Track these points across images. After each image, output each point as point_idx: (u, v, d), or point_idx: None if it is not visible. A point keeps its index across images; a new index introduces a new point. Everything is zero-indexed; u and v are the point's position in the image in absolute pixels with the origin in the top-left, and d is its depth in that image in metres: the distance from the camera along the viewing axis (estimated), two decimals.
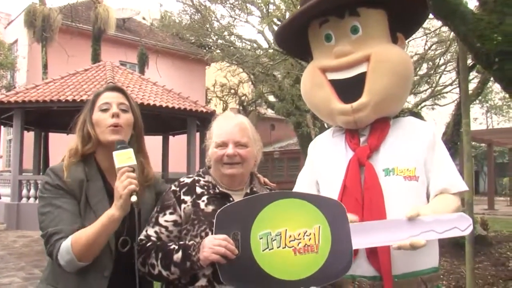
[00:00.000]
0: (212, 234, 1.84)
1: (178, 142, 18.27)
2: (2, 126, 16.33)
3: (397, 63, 2.09)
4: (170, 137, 18.71)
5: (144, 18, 25.53)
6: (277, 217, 1.78)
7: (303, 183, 2.27)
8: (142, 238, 2.00)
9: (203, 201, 2.01)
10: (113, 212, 1.81)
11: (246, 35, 21.46)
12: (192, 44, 23.50)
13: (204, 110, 15.23)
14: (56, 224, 1.85)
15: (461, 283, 6.20)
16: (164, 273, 1.88)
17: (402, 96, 2.24)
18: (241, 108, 28.35)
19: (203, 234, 1.91)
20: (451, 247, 8.08)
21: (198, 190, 2.05)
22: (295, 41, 2.38)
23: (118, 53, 21.69)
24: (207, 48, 22.34)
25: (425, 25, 14.41)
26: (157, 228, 2.01)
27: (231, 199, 2.02)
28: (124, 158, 1.86)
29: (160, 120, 15.56)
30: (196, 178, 2.13)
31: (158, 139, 18.17)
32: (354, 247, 1.77)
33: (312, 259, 1.75)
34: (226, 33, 19.04)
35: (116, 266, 1.93)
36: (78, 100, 12.55)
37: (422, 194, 2.01)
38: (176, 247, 1.89)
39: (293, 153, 28.76)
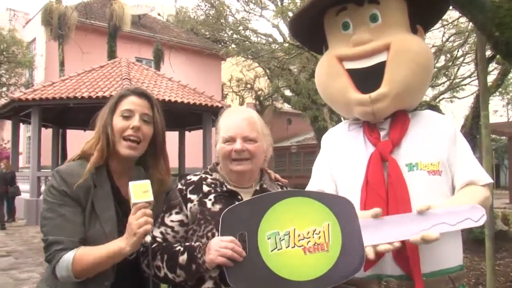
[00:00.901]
0: (218, 235, 1.76)
1: (194, 137, 18.31)
2: (21, 124, 16.53)
3: (418, 53, 2.00)
4: (186, 133, 18.72)
5: (159, 14, 25.63)
6: (285, 216, 1.71)
7: (320, 176, 2.16)
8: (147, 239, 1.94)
9: (210, 199, 1.92)
10: (123, 246, 1.72)
11: (261, 30, 21.32)
12: (207, 39, 23.52)
13: (220, 105, 15.21)
14: (57, 233, 1.77)
15: (482, 280, 6.06)
16: (170, 275, 1.80)
17: (422, 88, 2.14)
18: (257, 103, 28.34)
19: (209, 234, 1.83)
20: (471, 244, 7.91)
21: (205, 188, 1.96)
22: (310, 30, 2.27)
23: (134, 50, 21.78)
24: (222, 43, 22.34)
25: (443, 16, 14.17)
26: (163, 229, 1.93)
27: (239, 197, 1.93)
28: (140, 191, 1.75)
29: (176, 116, 15.56)
30: (203, 175, 2.03)
31: (174, 134, 18.23)
32: (365, 244, 1.69)
33: (323, 258, 1.67)
34: (241, 27, 19.02)
35: (119, 274, 1.85)
36: (94, 96, 12.62)
37: (446, 189, 1.93)
38: (182, 248, 1.81)
39: (310, 147, 28.61)
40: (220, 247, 1.67)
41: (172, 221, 1.93)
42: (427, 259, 1.80)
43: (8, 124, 20.17)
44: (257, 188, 2.00)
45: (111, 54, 18.55)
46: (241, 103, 29.29)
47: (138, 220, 1.70)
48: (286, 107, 28.09)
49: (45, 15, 18.91)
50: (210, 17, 20.36)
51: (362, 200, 1.89)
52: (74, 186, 1.81)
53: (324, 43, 2.26)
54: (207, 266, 1.72)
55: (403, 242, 1.73)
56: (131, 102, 1.97)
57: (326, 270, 1.66)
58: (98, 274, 1.78)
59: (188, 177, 2.04)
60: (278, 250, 1.67)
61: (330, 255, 1.68)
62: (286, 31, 18.79)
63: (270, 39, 18.27)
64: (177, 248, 1.82)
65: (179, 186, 2.01)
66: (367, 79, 2.01)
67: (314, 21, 2.20)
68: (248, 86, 27.64)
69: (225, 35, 20.96)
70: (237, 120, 1.96)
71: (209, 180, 2.00)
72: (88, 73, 14.57)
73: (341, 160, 2.08)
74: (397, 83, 1.96)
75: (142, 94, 2.02)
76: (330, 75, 2.12)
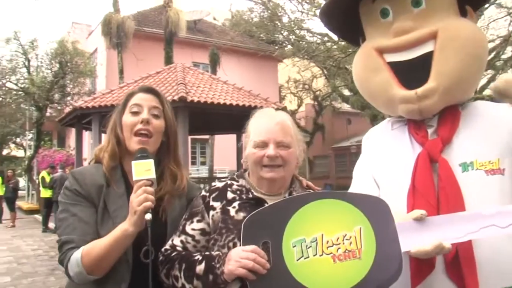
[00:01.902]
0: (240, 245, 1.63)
1: None
2: (84, 131, 17.08)
3: (470, 40, 1.76)
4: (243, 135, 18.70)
5: (215, 19, 25.93)
6: (311, 221, 1.54)
7: (361, 180, 1.96)
8: (167, 247, 1.83)
9: (233, 207, 1.80)
10: (126, 226, 1.70)
11: (316, 29, 21.10)
12: (262, 41, 23.53)
13: (275, 106, 15.07)
14: (69, 232, 1.76)
15: None
16: (187, 286, 1.68)
17: (475, 80, 1.89)
18: (316, 103, 28.10)
19: (230, 244, 1.70)
20: None
21: (230, 195, 1.84)
22: (344, 19, 2.07)
23: (190, 55, 22.11)
24: (277, 45, 22.30)
25: (509, 4, 13.44)
26: (183, 237, 1.82)
27: (265, 205, 1.77)
28: (142, 169, 1.72)
29: (232, 118, 15.57)
30: (229, 182, 1.92)
31: (232, 137, 18.28)
32: (403, 250, 1.50)
33: (355, 267, 1.50)
34: (296, 27, 18.88)
35: (136, 278, 1.78)
36: None
37: (509, 190, 1.66)
38: (200, 258, 1.70)
39: None
40: (241, 257, 1.53)
41: (193, 229, 1.83)
42: (490, 272, 1.55)
43: (74, 131, 20.94)
44: (286, 195, 1.86)
45: (168, 60, 18.94)
46: (300, 104, 29.14)
47: (138, 198, 1.67)
48: (345, 106, 27.66)
49: (104, 25, 19.66)
50: (265, 19, 20.35)
51: (409, 207, 1.68)
52: (85, 184, 1.82)
53: (360, 34, 2.06)
54: (225, 278, 1.58)
55: (456, 252, 1.52)
56: (139, 98, 1.94)
57: (358, 280, 1.48)
58: (115, 276, 1.74)
59: (213, 184, 1.94)
60: (305, 259, 1.51)
61: (363, 263, 1.50)
62: None
63: (326, 38, 18.00)
64: (196, 257, 1.71)
65: (203, 192, 1.91)
66: (412, 72, 1.79)
67: (348, 9, 2.00)
68: (306, 86, 27.42)
69: (280, 36, 20.90)
70: (270, 124, 1.83)
71: (234, 187, 1.89)
72: (144, 79, 14.81)
73: (384, 162, 1.88)
74: (447, 76, 1.74)
75: (149, 90, 2.00)
76: (369, 70, 1.92)
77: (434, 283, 1.59)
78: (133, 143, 1.87)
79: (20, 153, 35.00)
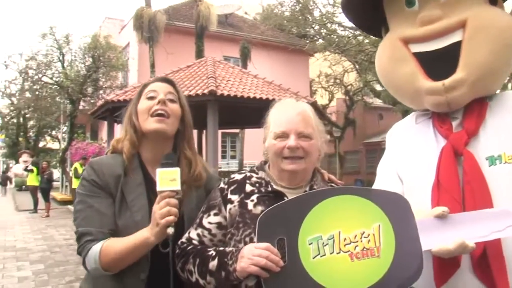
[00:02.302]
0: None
1: None
2: (115, 124, 17.32)
3: (502, 29, 1.67)
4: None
5: (246, 13, 25.90)
6: (329, 218, 1.49)
7: (385, 176, 1.89)
8: (184, 241, 1.80)
9: (252, 200, 1.74)
10: (147, 235, 1.67)
11: (348, 23, 20.87)
12: (293, 35, 23.42)
13: (306, 100, 14.89)
14: (87, 224, 1.76)
15: None
16: (201, 281, 1.65)
17: (506, 71, 1.79)
18: (347, 98, 27.83)
19: (247, 239, 1.65)
20: None
21: (248, 188, 1.78)
22: (365, 8, 1.98)
23: (221, 49, 22.14)
24: (308, 39, 22.17)
25: None
26: (199, 231, 1.78)
27: (285, 198, 1.71)
28: (167, 179, 1.66)
29: (262, 112, 15.47)
30: (248, 174, 1.85)
31: (262, 131, 18.23)
32: (424, 248, 1.43)
33: (374, 265, 1.43)
34: (327, 21, 18.71)
35: (155, 268, 1.78)
36: None
37: None
38: (214, 253, 1.66)
39: None
40: (253, 254, 1.47)
41: (209, 223, 1.78)
42: None
43: (106, 124, 21.30)
44: (307, 189, 1.78)
45: (199, 54, 19.01)
46: (331, 99, 28.90)
47: (160, 211, 1.63)
48: (377, 101, 27.30)
49: (136, 20, 19.84)
50: (296, 13, 20.22)
51: (433, 203, 1.60)
52: (103, 174, 1.81)
53: (383, 24, 1.99)
54: (237, 275, 1.53)
55: (483, 249, 1.46)
56: (154, 86, 1.95)
57: (377, 279, 1.42)
58: (134, 266, 1.74)
59: (232, 176, 1.88)
60: (321, 256, 1.45)
61: (382, 262, 1.44)
62: None
63: (357, 32, 17.79)
64: (210, 253, 1.67)
65: (221, 185, 1.85)
66: (439, 63, 1.71)
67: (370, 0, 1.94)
68: (337, 81, 27.16)
69: (311, 30, 20.74)
70: (291, 114, 1.76)
71: (253, 179, 1.82)
72: (175, 73, 14.90)
73: (408, 157, 1.81)
74: (476, 67, 1.66)
75: (164, 79, 2.00)
76: (394, 61, 1.84)
77: (460, 283, 1.52)
78: (151, 124, 1.85)
79: (55, 145, 35.88)
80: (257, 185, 1.79)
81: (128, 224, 1.76)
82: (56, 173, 26.98)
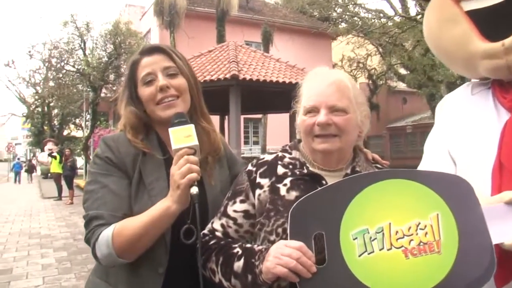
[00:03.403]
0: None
1: None
2: None
3: None
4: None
5: None
6: (376, 207, 1.25)
7: (434, 154, 1.62)
8: (206, 232, 1.56)
9: (284, 184, 1.48)
10: (168, 204, 1.43)
11: (371, 6, 20.50)
12: (315, 18, 23.11)
13: None
14: (98, 206, 1.51)
15: None
16: (225, 283, 1.42)
17: None
18: (370, 82, 27.45)
19: (279, 230, 1.41)
20: None
21: (280, 170, 1.52)
22: None
23: (242, 33, 21.93)
24: (331, 22, 21.85)
25: None
26: (224, 220, 1.54)
27: (323, 182, 1.46)
28: (182, 136, 1.45)
29: (285, 97, 15.31)
30: (280, 154, 1.58)
31: (285, 116, 18.09)
32: (494, 241, 1.18)
33: (434, 263, 1.19)
34: (350, 4, 18.37)
35: (175, 261, 1.55)
36: (202, 80, 12.66)
37: None
38: (240, 251, 1.41)
39: (427, 127, 26.99)
40: (282, 254, 1.23)
41: (235, 211, 1.53)
42: None
43: None
44: (348, 171, 1.52)
45: (220, 39, 18.89)
46: None
47: (180, 169, 1.40)
48: (401, 85, 26.86)
49: (156, 5, 19.72)
50: None
51: (494, 186, 1.35)
52: (119, 152, 1.58)
53: None
54: (263, 278, 1.29)
55: None
56: (146, 65, 1.64)
57: (440, 279, 1.17)
58: (150, 259, 1.52)
59: (262, 157, 1.62)
60: (369, 254, 1.21)
61: (444, 258, 1.19)
62: (397, 4, 17.80)
63: (381, 15, 17.41)
64: (235, 250, 1.43)
65: (249, 167, 1.59)
66: (497, 21, 1.44)
67: None
68: (360, 65, 26.74)
69: (334, 13, 20.41)
70: (322, 85, 1.48)
71: (286, 160, 1.55)
72: (196, 58, 14.75)
73: (462, 133, 1.53)
74: None
75: (153, 49, 1.69)
76: (443, 23, 1.58)
77: None
78: (161, 112, 1.61)
79: (79, 133, 36.23)
80: (290, 166, 1.53)
81: (146, 208, 1.50)
82: (80, 161, 27.26)
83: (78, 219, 12.55)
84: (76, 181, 19.79)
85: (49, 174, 24.27)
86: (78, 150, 28.55)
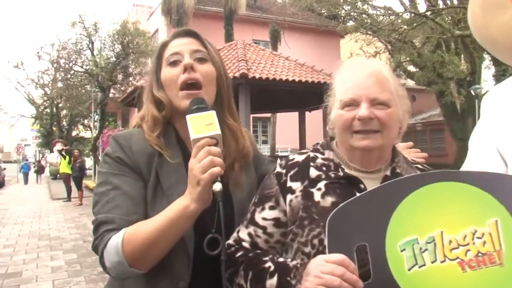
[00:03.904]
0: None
1: (315, 117, 17.91)
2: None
3: None
4: (307, 113, 18.31)
5: None
6: (424, 214, 1.11)
7: (481, 152, 1.45)
8: (231, 243, 1.41)
9: (318, 189, 1.33)
10: (187, 202, 1.24)
11: (379, 3, 20.37)
12: (324, 16, 23.02)
13: None
14: (110, 210, 1.33)
15: None
16: None
17: None
18: None
19: (315, 241, 1.27)
20: None
21: (313, 172, 1.37)
22: None
23: (250, 32, 21.88)
24: (340, 19, 21.76)
25: None
26: (251, 229, 1.39)
27: (361, 186, 1.33)
28: (202, 124, 1.26)
29: (295, 95, 15.22)
30: (312, 154, 1.43)
31: (294, 115, 17.97)
32: None
33: (496, 276, 1.05)
34: (359, 2, 18.23)
35: (198, 275, 1.39)
36: None
37: None
38: (272, 267, 1.26)
39: (437, 124, 27.04)
40: (323, 272, 1.08)
41: (264, 219, 1.38)
42: None
43: (136, 112, 21.45)
44: (387, 173, 1.37)
45: (228, 38, 18.86)
46: None
47: (201, 163, 1.20)
48: (410, 82, 26.66)
49: (164, 4, 19.71)
50: None
51: None
52: (132, 152, 1.41)
53: None
54: None
55: None
56: (175, 45, 1.49)
57: None
58: (170, 273, 1.34)
59: (291, 157, 1.47)
60: (420, 267, 1.07)
61: (507, 271, 1.05)
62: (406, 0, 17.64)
63: (390, 12, 17.28)
64: (266, 265, 1.28)
65: (278, 169, 1.44)
66: None
67: None
68: None
69: (342, 11, 20.28)
70: (361, 76, 1.34)
71: (319, 161, 1.40)
72: None
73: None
74: None
75: (185, 32, 1.53)
76: (487, 9, 1.43)
77: None
78: (181, 100, 1.43)
79: (87, 134, 36.31)
80: (324, 168, 1.38)
81: None
82: (89, 162, 27.28)
83: (88, 220, 12.51)
84: (85, 182, 19.77)
85: (58, 175, 24.31)
86: (87, 151, 28.60)
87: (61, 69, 24.42)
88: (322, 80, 14.16)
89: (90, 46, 22.76)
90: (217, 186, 1.21)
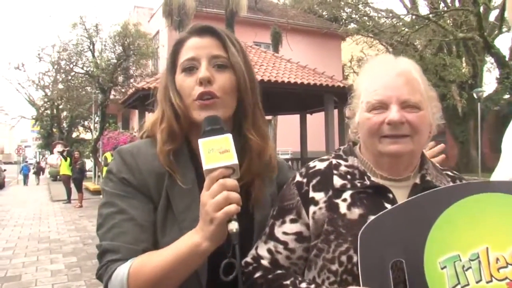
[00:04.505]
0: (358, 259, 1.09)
1: (316, 120, 17.84)
2: (146, 112, 17.15)
3: None
4: (308, 115, 18.25)
5: None
6: (467, 228, 1.02)
7: None
8: (249, 261, 1.29)
9: (344, 200, 1.23)
10: (198, 240, 1.11)
11: (381, 6, 20.40)
12: (325, 18, 23.03)
13: (341, 85, 14.46)
14: (114, 237, 1.22)
15: None
16: None
17: None
18: None
19: (343, 258, 1.15)
20: None
21: (337, 181, 1.26)
22: None
23: (252, 34, 21.88)
24: (341, 22, 21.78)
25: None
26: (271, 245, 1.28)
27: (389, 195, 1.22)
28: (216, 151, 1.11)
29: (296, 98, 15.20)
30: (334, 161, 1.32)
31: (296, 117, 17.92)
32: None
33: None
34: (360, 4, 18.23)
35: None
36: None
37: None
38: None
39: (438, 127, 26.93)
40: None
41: (285, 233, 1.27)
42: None
43: (137, 113, 21.38)
44: (417, 181, 1.26)
45: None
46: None
47: (215, 198, 1.07)
48: None
49: (166, 6, 19.70)
50: None
51: None
52: (139, 172, 1.27)
53: None
54: None
55: None
56: (192, 47, 1.33)
57: None
58: None
59: (312, 165, 1.36)
60: (463, 287, 0.98)
61: None
62: (407, 3, 17.59)
63: (391, 14, 17.30)
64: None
65: (298, 178, 1.33)
66: None
67: None
68: None
69: (344, 13, 20.25)
70: (389, 76, 1.23)
71: (342, 169, 1.29)
72: None
73: None
74: None
75: (204, 29, 1.36)
76: None
77: None
78: (195, 112, 1.29)
79: (88, 135, 36.27)
80: (349, 177, 1.27)
81: None
82: (89, 163, 27.21)
83: (88, 222, 12.43)
84: (85, 183, 19.68)
85: (58, 177, 24.22)
86: (87, 153, 28.51)
87: (61, 71, 24.35)
88: (324, 83, 14.13)
89: (91, 47, 22.69)
90: (234, 227, 1.07)
